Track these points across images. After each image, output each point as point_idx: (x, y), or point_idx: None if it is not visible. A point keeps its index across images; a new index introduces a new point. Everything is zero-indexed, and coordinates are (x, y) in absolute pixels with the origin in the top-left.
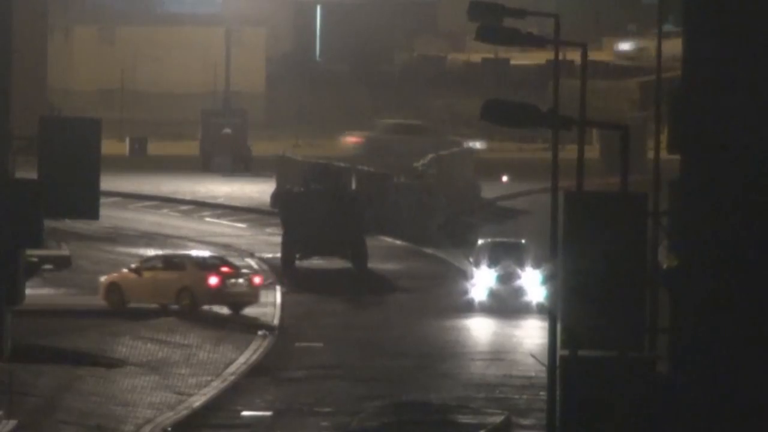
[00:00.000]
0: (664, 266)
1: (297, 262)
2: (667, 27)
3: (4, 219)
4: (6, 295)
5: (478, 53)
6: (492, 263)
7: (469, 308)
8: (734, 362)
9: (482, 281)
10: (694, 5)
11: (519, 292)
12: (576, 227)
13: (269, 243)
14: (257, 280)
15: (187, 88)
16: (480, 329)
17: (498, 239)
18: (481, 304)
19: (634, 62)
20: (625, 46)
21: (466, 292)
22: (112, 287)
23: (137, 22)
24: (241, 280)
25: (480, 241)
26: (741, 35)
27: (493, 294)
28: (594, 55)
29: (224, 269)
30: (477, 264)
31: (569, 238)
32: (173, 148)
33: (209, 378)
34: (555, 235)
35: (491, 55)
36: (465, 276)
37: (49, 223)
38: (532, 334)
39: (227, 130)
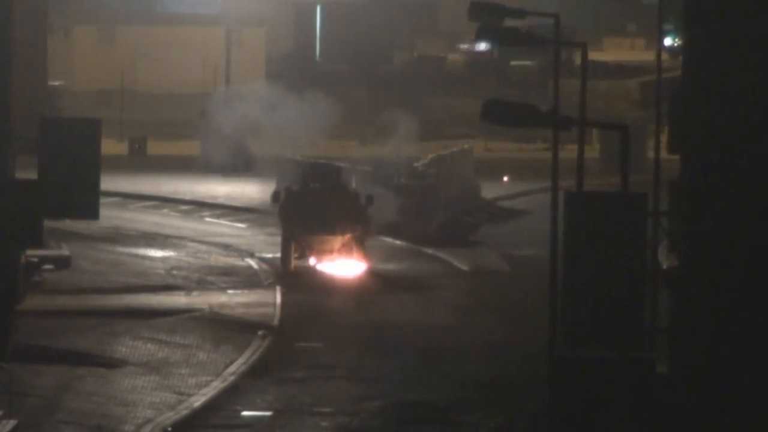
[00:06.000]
0: (664, 266)
1: (296, 262)
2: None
3: (4, 219)
4: (6, 295)
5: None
6: None
7: None
8: (734, 362)
9: None
10: (694, 5)
11: None
12: (576, 227)
13: (269, 243)
14: None
15: (187, 88)
16: None
17: None
18: None
19: None
20: None
21: None
22: None
23: (137, 22)
24: None
25: None
26: (741, 35)
27: None
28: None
29: None
30: None
31: (569, 238)
32: (173, 148)
33: (209, 378)
34: (555, 235)
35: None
36: None
37: (49, 223)
38: None
39: (227, 130)
